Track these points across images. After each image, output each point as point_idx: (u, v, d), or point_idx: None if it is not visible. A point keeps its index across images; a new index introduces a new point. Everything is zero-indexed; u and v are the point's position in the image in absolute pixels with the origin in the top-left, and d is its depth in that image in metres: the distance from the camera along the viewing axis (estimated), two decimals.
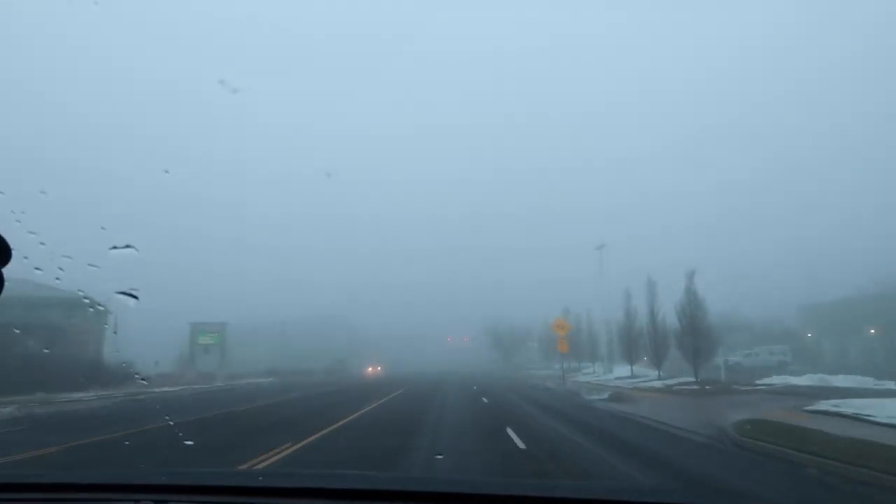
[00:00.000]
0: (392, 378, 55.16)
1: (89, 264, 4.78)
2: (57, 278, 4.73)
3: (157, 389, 36.25)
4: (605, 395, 24.45)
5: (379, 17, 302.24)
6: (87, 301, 5.74)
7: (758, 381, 26.24)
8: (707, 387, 24.65)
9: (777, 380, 25.88)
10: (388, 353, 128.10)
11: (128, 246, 4.34)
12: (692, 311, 28.87)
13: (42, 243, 4.25)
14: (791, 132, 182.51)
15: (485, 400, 22.17)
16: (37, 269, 4.33)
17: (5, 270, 1.13)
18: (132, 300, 3.88)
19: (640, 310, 38.92)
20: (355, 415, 16.05)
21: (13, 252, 1.12)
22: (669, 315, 36.71)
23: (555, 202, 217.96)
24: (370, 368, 76.54)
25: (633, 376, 38.07)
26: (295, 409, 18.59)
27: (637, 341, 38.52)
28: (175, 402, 24.12)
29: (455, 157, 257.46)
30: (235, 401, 23.67)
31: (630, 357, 38.87)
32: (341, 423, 14.02)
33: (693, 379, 28.93)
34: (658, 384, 29.87)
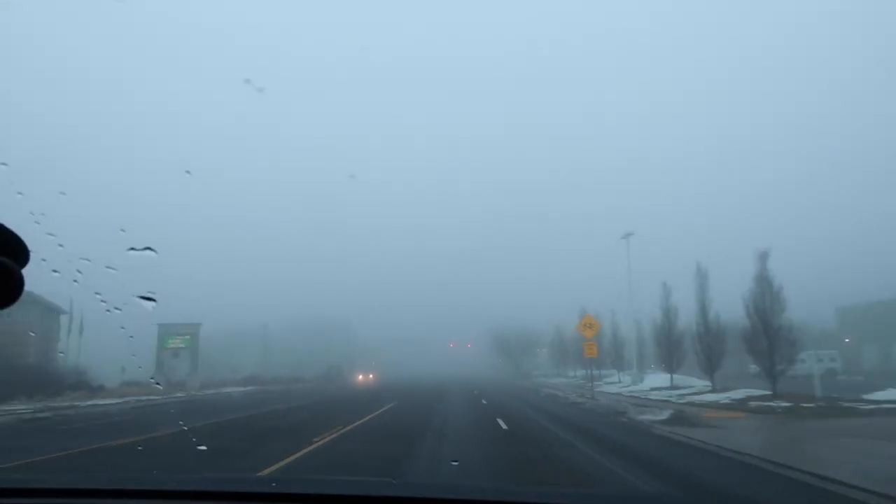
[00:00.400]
0: (386, 387, 48.43)
1: (107, 267, 4.75)
2: (75, 280, 4.55)
3: (98, 402, 29.69)
4: (664, 416, 17.83)
5: (395, 27, 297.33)
6: (104, 304, 5.18)
7: (866, 396, 19.56)
8: (804, 404, 17.98)
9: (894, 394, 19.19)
10: (389, 359, 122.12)
11: (147, 248, 4.21)
12: (767, 303, 22.19)
13: (60, 245, 4.22)
14: (814, 132, 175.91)
15: (503, 425, 15.54)
16: (54, 271, 4.24)
17: (23, 272, 1.05)
18: (151, 304, 3.92)
19: (680, 307, 32.59)
20: (286, 460, 9.47)
21: (31, 254, 1.06)
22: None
23: (565, 203, 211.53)
24: (361, 376, 69.69)
25: (673, 387, 31.40)
26: (189, 445, 12.05)
27: (679, 344, 31.94)
28: (81, 423, 17.65)
29: (459, 161, 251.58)
30: (153, 422, 17.14)
31: (671, 363, 32.19)
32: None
33: (768, 392, 22.28)
34: (720, 398, 23.17)
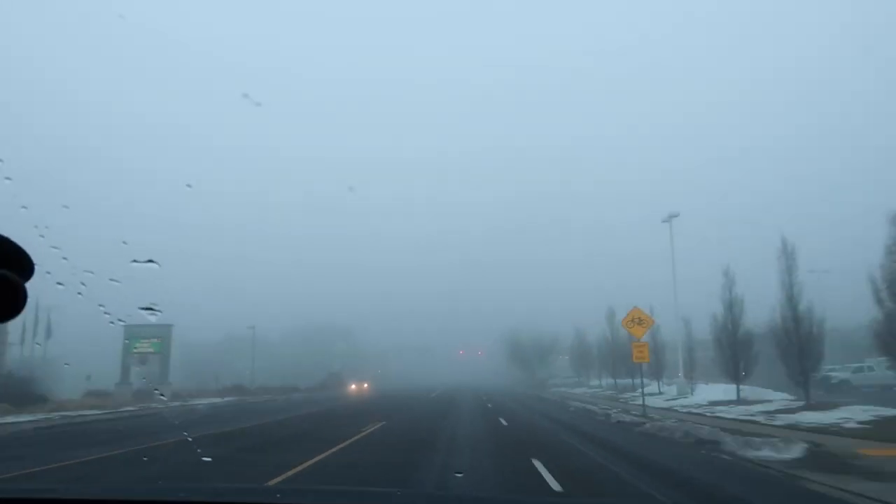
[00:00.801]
0: (380, 398, 41.92)
1: (110, 279, 4.77)
2: (79, 293, 4.49)
3: (10, 419, 23.43)
4: (791, 453, 11.34)
5: (407, 44, 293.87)
6: (107, 315, 5.20)
7: None
8: None
9: None
10: (395, 367, 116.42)
11: (149, 260, 4.25)
12: None
13: (64, 258, 4.21)
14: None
15: (547, 477, 8.91)
16: (59, 283, 4.18)
17: (28, 285, 1.05)
18: (154, 315, 4.11)
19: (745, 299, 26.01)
20: None
21: (36, 267, 1.06)
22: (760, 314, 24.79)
23: (584, 202, 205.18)
24: (354, 386, 63.42)
25: (741, 401, 24.65)
26: None
27: (749, 346, 25.26)
28: None
29: (467, 165, 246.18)
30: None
31: (737, 371, 25.43)
32: None
33: None
34: (835, 419, 16.47)
